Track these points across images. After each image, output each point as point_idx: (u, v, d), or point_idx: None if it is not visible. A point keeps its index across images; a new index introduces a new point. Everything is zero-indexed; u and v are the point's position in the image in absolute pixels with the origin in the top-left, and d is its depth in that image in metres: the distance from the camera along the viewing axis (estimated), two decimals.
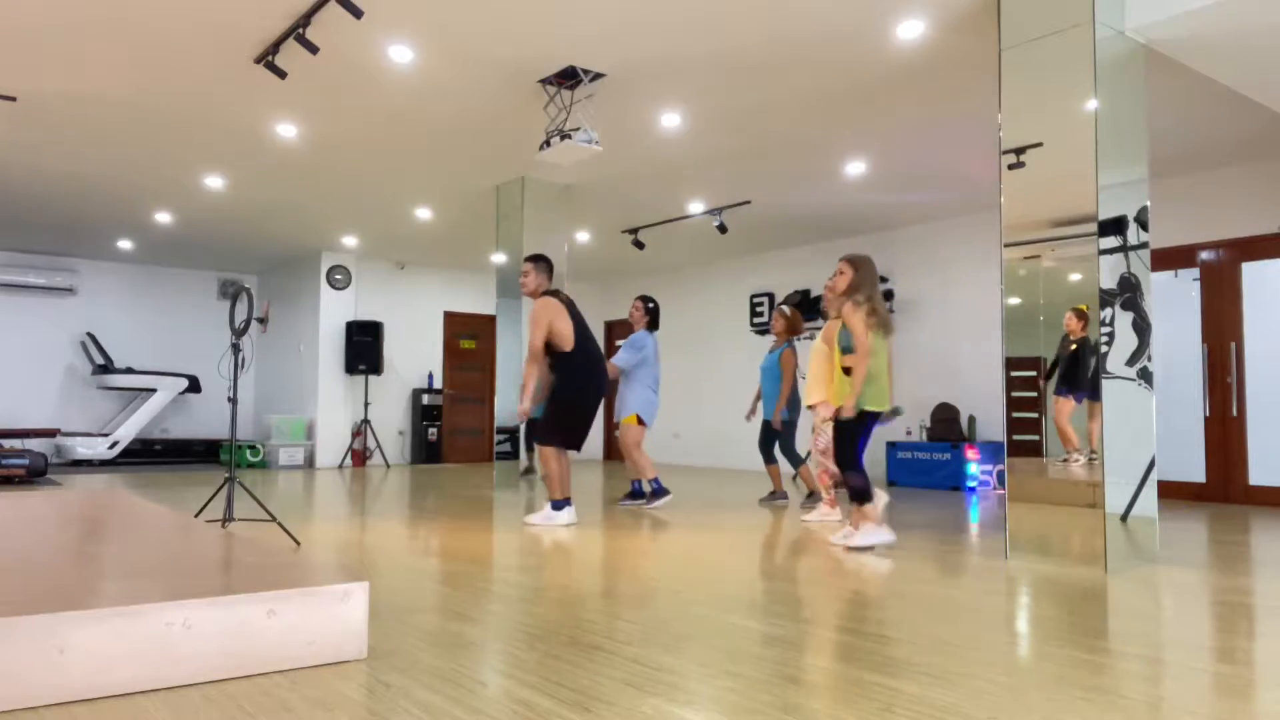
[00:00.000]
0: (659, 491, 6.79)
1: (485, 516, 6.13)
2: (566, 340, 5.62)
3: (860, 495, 4.72)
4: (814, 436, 5.89)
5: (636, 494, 7.00)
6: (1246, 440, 7.21)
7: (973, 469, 8.37)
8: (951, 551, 4.64)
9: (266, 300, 12.73)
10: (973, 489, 8.34)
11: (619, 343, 7.18)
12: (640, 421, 6.80)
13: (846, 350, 4.73)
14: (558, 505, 5.67)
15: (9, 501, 4.76)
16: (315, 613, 2.45)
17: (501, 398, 8.39)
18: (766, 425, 6.91)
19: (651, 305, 7.03)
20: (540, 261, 5.84)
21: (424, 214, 9.40)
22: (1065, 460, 4.30)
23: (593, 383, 5.71)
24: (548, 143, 5.99)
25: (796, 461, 6.85)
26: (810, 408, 5.86)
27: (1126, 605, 3.34)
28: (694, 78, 5.72)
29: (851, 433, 4.68)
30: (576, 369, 5.66)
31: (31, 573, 2.66)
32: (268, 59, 5.30)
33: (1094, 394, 4.18)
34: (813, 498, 6.67)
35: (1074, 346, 4.30)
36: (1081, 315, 4.23)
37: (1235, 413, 7.27)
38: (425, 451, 12.19)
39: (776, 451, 7.04)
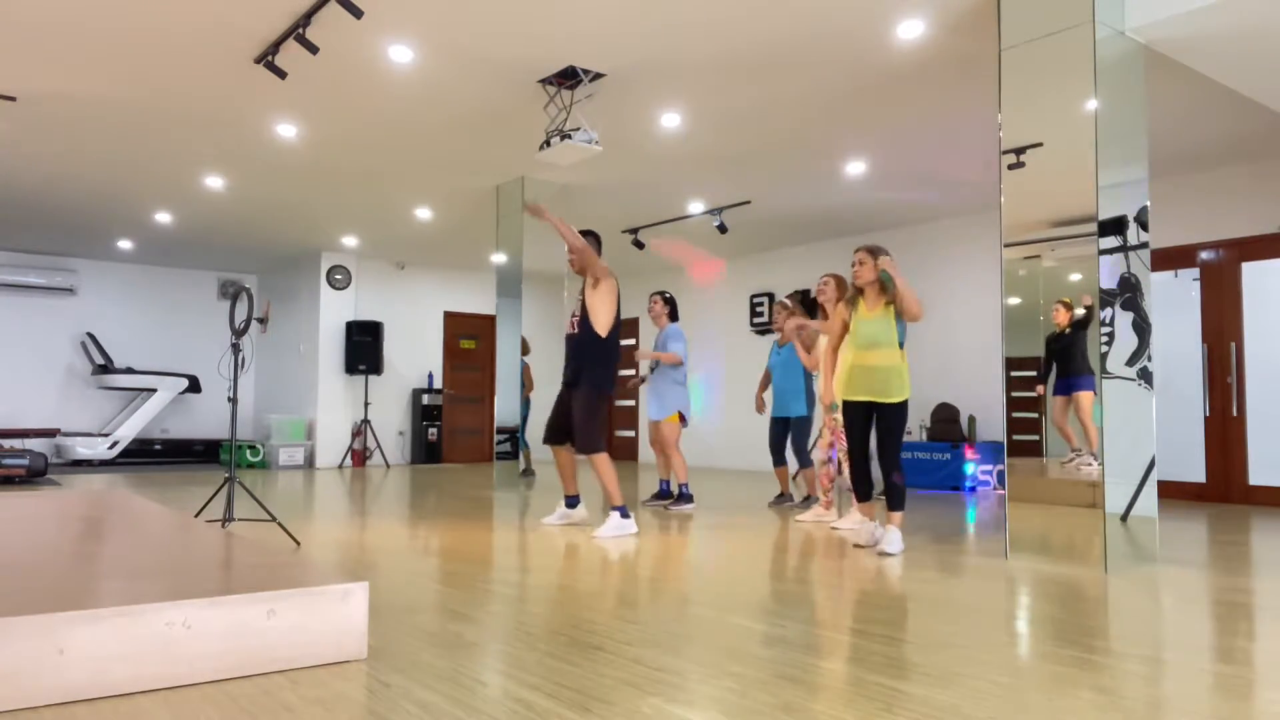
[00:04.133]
0: (686, 496, 6.73)
1: (485, 516, 6.12)
2: (607, 324, 5.37)
3: (903, 499, 4.68)
4: (832, 437, 5.80)
5: (664, 494, 6.95)
6: (1246, 440, 7.21)
7: (972, 468, 8.37)
8: (951, 551, 4.64)
9: (266, 300, 12.73)
10: (972, 489, 8.34)
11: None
12: (681, 419, 6.74)
13: (901, 344, 4.66)
14: (625, 512, 5.29)
15: (9, 501, 4.76)
16: (315, 613, 2.45)
17: (501, 398, 8.39)
18: (779, 424, 6.84)
19: (670, 298, 7.04)
20: (590, 236, 5.57)
21: (424, 214, 9.40)
22: (1074, 457, 4.28)
23: (614, 377, 5.47)
24: (548, 143, 5.99)
25: (806, 462, 6.68)
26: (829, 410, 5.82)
27: (1126, 605, 3.34)
28: (694, 78, 5.72)
29: (903, 425, 4.65)
30: (610, 359, 5.39)
31: (31, 573, 2.66)
32: (268, 59, 5.30)
33: (1080, 385, 4.22)
34: (809, 501, 6.66)
35: (1066, 334, 4.30)
36: (1069, 307, 4.25)
37: (1235, 413, 7.27)
38: (425, 451, 12.19)
39: (788, 451, 7.00)
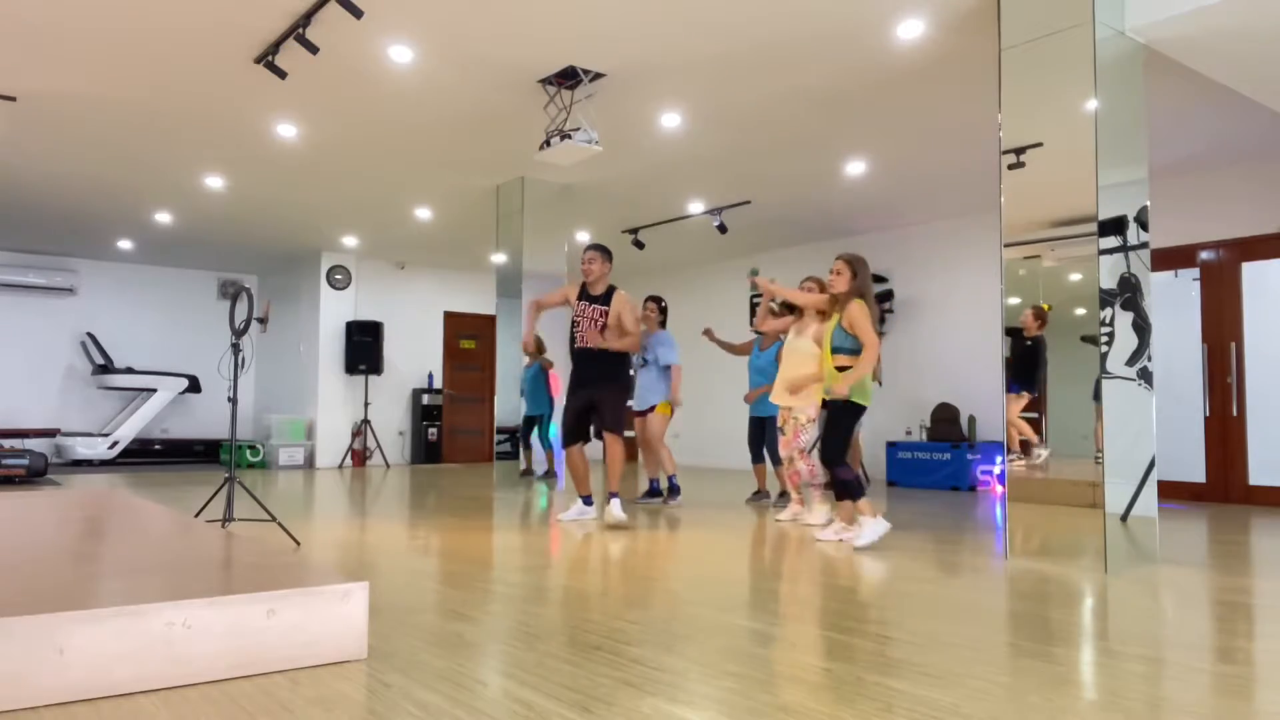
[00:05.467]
0: (675, 489, 6.80)
1: (485, 516, 6.13)
2: None
3: (855, 490, 4.75)
4: (792, 436, 5.85)
5: (655, 492, 6.97)
6: (1246, 440, 7.21)
7: (972, 469, 8.37)
8: (951, 551, 4.65)
9: (266, 300, 12.73)
10: (972, 489, 8.34)
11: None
12: (670, 411, 6.79)
13: (840, 350, 4.74)
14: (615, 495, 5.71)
15: (9, 501, 4.76)
16: (315, 613, 2.45)
17: (501, 398, 8.39)
18: (757, 423, 6.92)
19: (664, 305, 7.10)
20: (606, 251, 5.84)
21: (424, 214, 9.40)
22: (1020, 458, 4.37)
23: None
24: (548, 143, 5.99)
25: (777, 460, 6.68)
26: (788, 408, 5.84)
27: (1126, 605, 3.34)
28: (694, 78, 5.72)
29: (847, 427, 4.73)
30: (629, 359, 5.85)
31: (31, 573, 2.66)
32: (268, 59, 5.30)
33: (1024, 389, 4.32)
34: (785, 498, 6.71)
35: (1028, 344, 4.40)
36: (1040, 315, 4.32)
37: (1235, 413, 7.27)
38: (425, 451, 12.19)
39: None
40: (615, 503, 5.63)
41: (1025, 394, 4.40)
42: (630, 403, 6.00)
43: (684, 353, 12.16)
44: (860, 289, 4.77)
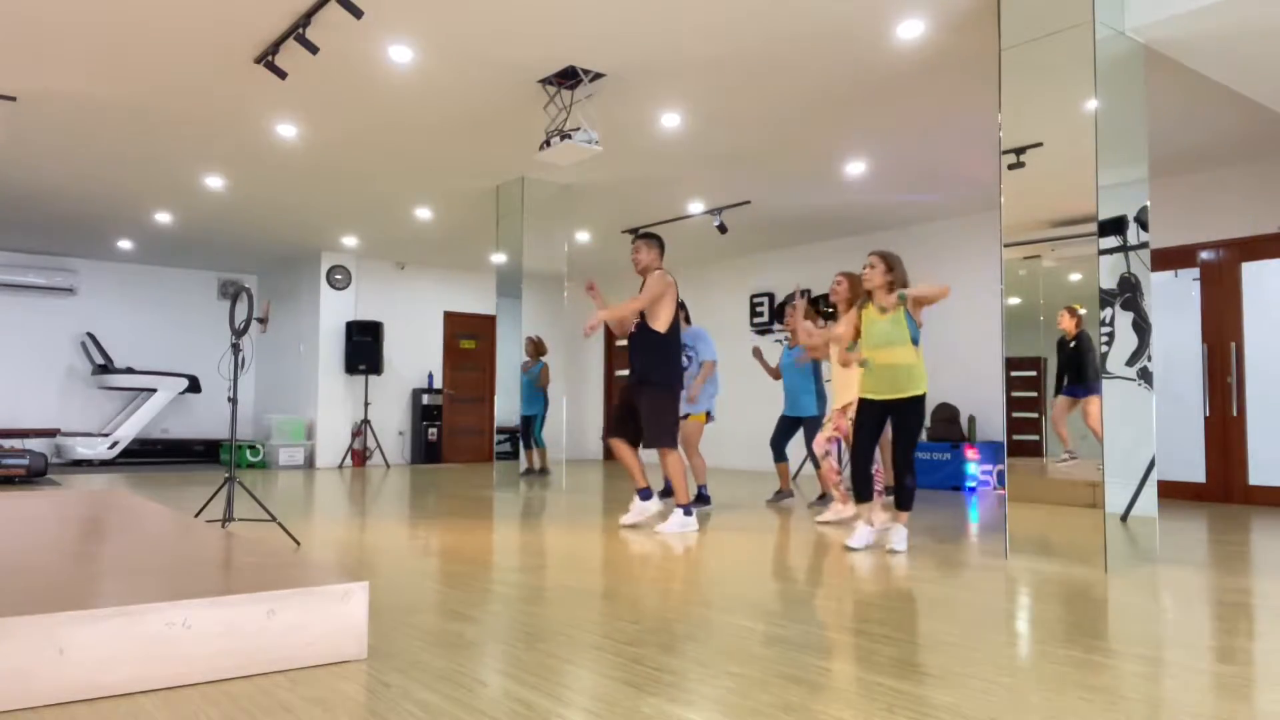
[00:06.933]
0: (704, 498, 6.71)
1: (485, 516, 6.12)
2: (666, 321, 5.46)
3: (912, 500, 4.73)
4: (835, 431, 5.83)
5: (704, 498, 6.77)
6: (1246, 440, 7.21)
7: (972, 468, 8.37)
8: (951, 551, 4.65)
9: (266, 300, 12.73)
10: (972, 489, 8.34)
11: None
12: (708, 416, 6.69)
13: (916, 342, 4.69)
14: (688, 510, 5.39)
15: (9, 501, 4.76)
16: (315, 613, 2.45)
17: (502, 398, 8.39)
18: (788, 421, 6.88)
19: (681, 302, 6.96)
20: (652, 239, 5.60)
21: (424, 214, 9.40)
22: (1067, 458, 4.30)
23: (681, 372, 5.64)
24: (548, 143, 5.99)
25: (819, 463, 6.70)
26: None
27: (1126, 605, 3.34)
28: (694, 78, 5.72)
29: (919, 424, 4.66)
30: (674, 355, 5.50)
31: (31, 573, 2.66)
32: (268, 59, 5.30)
33: (1092, 388, 4.22)
34: (824, 499, 6.66)
35: (1072, 344, 4.32)
36: (1074, 314, 4.26)
37: (1235, 413, 7.27)
38: (425, 451, 12.19)
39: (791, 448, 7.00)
40: (676, 513, 5.36)
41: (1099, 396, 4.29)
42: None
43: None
44: (903, 281, 4.71)
